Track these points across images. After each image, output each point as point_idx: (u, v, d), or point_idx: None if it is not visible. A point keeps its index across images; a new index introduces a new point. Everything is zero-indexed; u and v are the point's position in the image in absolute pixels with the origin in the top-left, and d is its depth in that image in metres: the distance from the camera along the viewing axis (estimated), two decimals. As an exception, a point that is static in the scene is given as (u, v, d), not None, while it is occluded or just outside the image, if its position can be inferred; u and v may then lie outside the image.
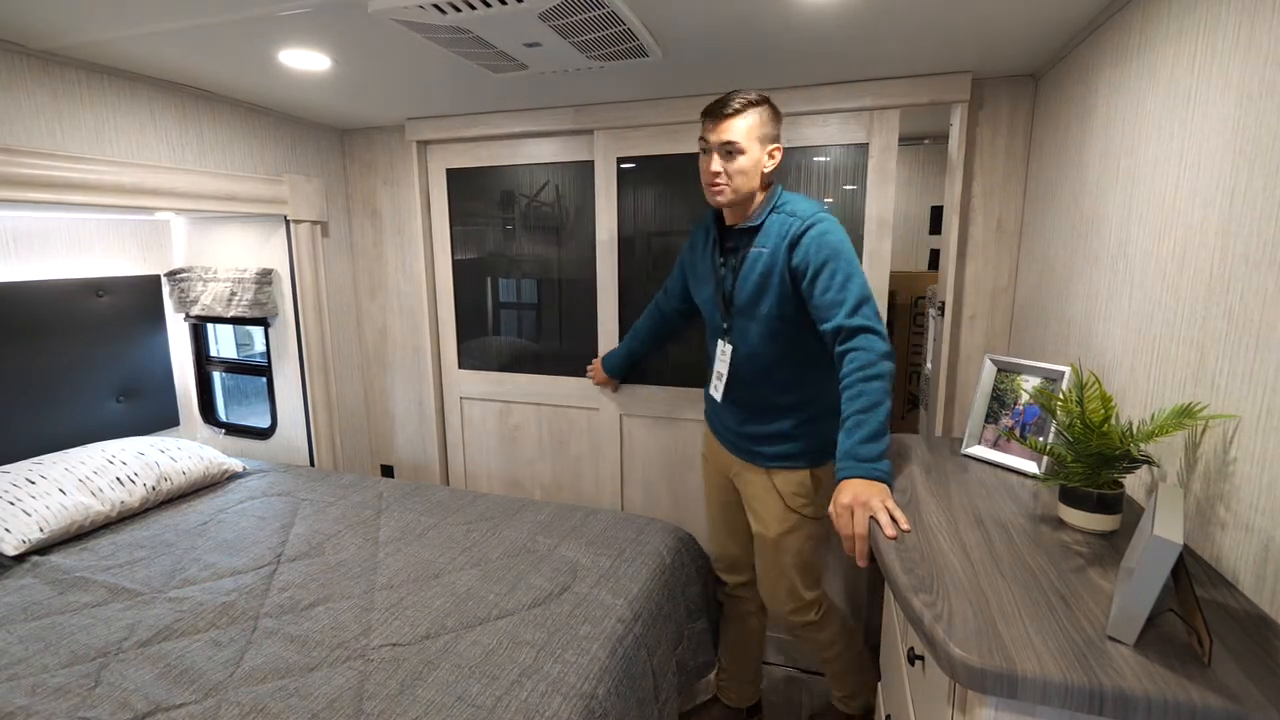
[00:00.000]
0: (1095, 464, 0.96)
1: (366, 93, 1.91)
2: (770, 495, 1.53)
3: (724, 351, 1.49)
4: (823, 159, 1.92)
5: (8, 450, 1.83)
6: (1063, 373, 1.21)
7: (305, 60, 1.57)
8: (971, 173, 1.83)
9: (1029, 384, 1.28)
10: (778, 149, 1.41)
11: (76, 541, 1.63)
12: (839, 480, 1.17)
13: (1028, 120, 1.77)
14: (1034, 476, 1.18)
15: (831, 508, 1.16)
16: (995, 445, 1.32)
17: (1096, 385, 1.00)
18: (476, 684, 1.12)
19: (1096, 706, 0.66)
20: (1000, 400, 1.33)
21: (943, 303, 1.86)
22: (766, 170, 1.42)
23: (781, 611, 1.61)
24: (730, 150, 1.36)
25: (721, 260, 1.51)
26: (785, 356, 1.45)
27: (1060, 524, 1.03)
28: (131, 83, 1.74)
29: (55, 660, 1.17)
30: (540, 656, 1.20)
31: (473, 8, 1.18)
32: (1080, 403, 0.98)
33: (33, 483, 1.66)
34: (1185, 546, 0.95)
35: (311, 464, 2.35)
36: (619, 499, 2.29)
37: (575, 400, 2.30)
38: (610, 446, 2.26)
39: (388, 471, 2.67)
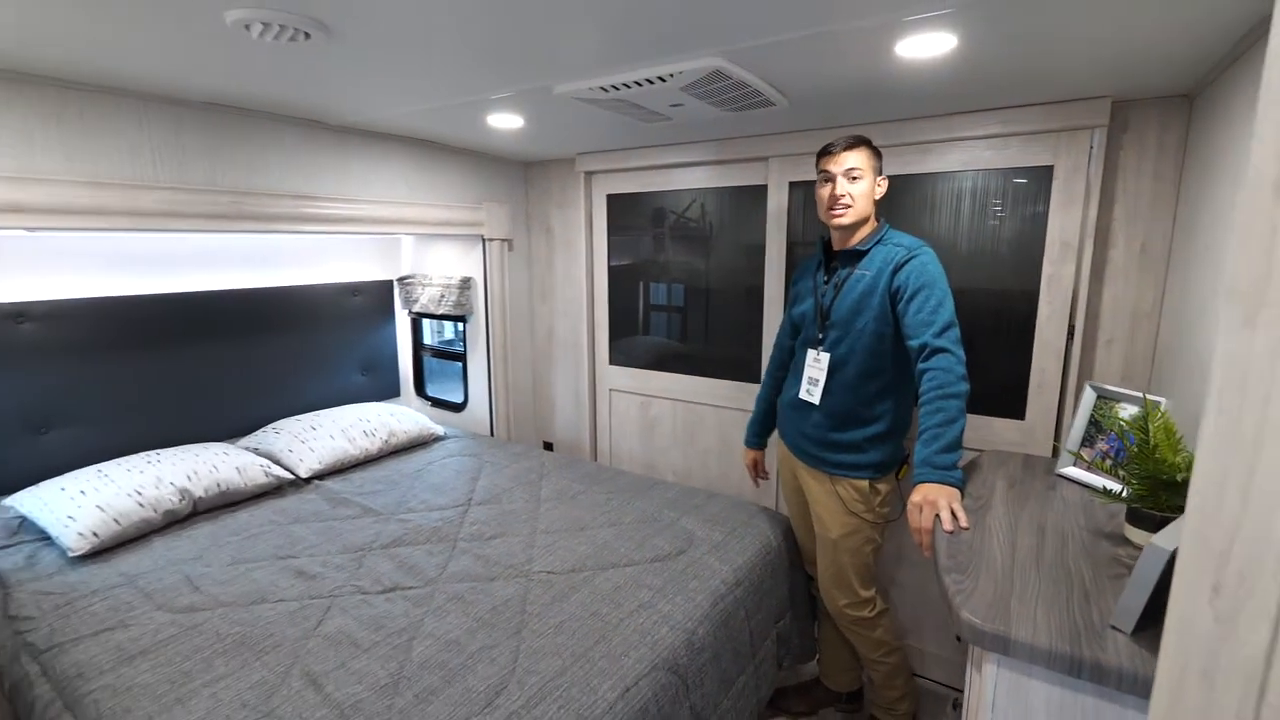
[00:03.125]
0: (1152, 486, 1.04)
1: (547, 138, 2.36)
2: (832, 500, 1.71)
3: (818, 359, 1.69)
4: (965, 183, 2.00)
5: (295, 405, 2.56)
6: (1158, 403, 1.26)
7: (505, 121, 2.03)
8: (1112, 196, 1.81)
9: (1126, 412, 1.33)
10: (884, 180, 1.64)
11: (339, 474, 2.27)
12: (915, 483, 1.34)
13: (1180, 142, 1.72)
14: (1107, 493, 1.25)
15: (908, 505, 1.33)
16: (1089, 468, 1.39)
17: (1163, 417, 1.08)
18: (606, 607, 1.46)
19: (1076, 671, 0.82)
20: (1098, 426, 1.39)
21: (1072, 326, 1.86)
22: (877, 198, 1.64)
23: (837, 605, 1.77)
24: (854, 175, 1.59)
25: (825, 279, 1.71)
26: (872, 372, 1.61)
27: (1123, 541, 1.12)
28: (384, 141, 2.34)
29: (334, 548, 1.73)
30: (656, 597, 1.52)
31: (629, 88, 1.51)
32: (1146, 430, 1.07)
33: (314, 430, 2.33)
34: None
35: (491, 434, 2.90)
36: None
37: (706, 398, 2.59)
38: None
39: (548, 446, 3.17)
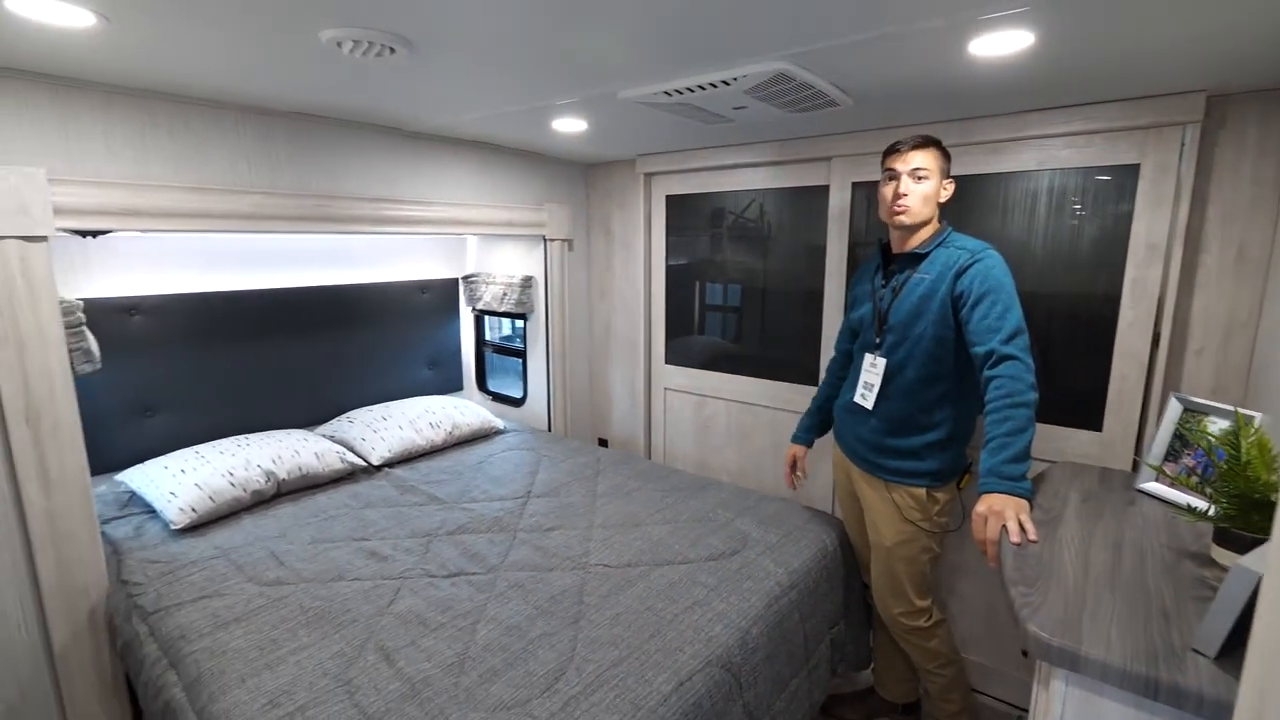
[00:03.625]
0: (1243, 506, 0.99)
1: (609, 140, 2.40)
2: (888, 507, 1.67)
3: (874, 364, 1.66)
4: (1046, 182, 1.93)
5: (367, 395, 2.71)
6: (1251, 418, 1.18)
7: (569, 125, 2.08)
8: (1205, 196, 1.70)
9: (1215, 427, 1.26)
10: (950, 182, 1.60)
11: (407, 463, 2.39)
12: (981, 493, 1.30)
13: (1286, 137, 1.60)
14: (1191, 511, 1.18)
15: (972, 516, 1.30)
16: (1172, 484, 1.31)
17: (1258, 433, 1.02)
18: (660, 602, 1.49)
19: (1152, 692, 0.79)
20: (1183, 440, 1.32)
21: (1157, 333, 1.76)
22: (942, 200, 1.60)
23: (891, 613, 1.73)
24: (920, 175, 1.56)
25: (883, 283, 1.68)
26: (932, 377, 1.57)
27: (1209, 562, 1.06)
28: (454, 146, 2.44)
29: (403, 533, 1.83)
30: (710, 595, 1.53)
31: (692, 91, 1.53)
32: (1237, 446, 1.01)
33: (384, 420, 2.46)
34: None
35: (549, 429, 2.98)
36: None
37: (762, 400, 2.58)
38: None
39: (603, 442, 3.23)
